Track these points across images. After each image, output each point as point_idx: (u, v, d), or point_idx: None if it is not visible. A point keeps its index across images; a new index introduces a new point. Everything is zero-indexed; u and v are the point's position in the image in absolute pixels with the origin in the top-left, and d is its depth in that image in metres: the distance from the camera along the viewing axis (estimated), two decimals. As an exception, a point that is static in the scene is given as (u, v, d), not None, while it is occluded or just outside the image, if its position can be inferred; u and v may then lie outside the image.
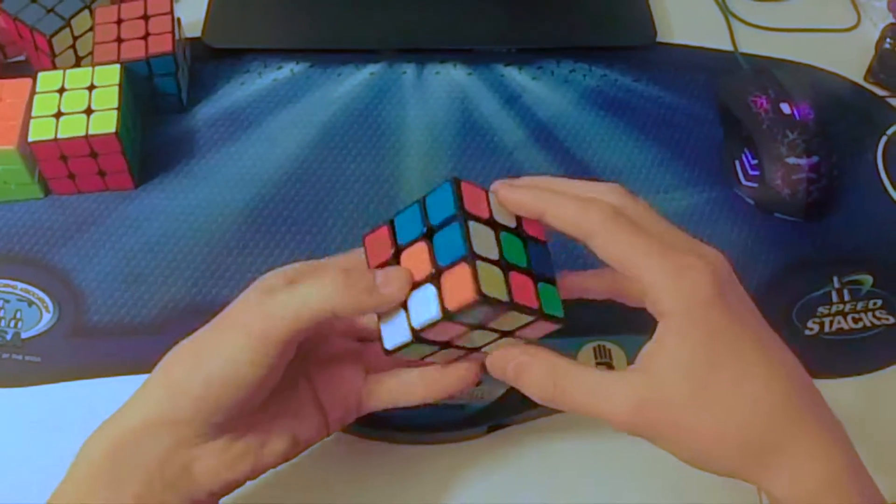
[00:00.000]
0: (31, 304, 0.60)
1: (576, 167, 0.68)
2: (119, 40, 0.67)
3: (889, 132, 0.72)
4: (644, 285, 0.41)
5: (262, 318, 0.42)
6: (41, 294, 0.61)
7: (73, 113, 0.62)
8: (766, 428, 0.40)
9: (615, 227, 0.41)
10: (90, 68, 0.65)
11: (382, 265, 0.42)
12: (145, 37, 0.67)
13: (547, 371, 0.43)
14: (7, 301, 0.61)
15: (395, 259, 0.42)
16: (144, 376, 0.56)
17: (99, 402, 0.56)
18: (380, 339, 0.43)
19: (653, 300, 0.41)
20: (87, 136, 0.62)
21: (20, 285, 0.61)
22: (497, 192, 0.43)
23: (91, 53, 0.68)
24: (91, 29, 0.69)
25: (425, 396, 0.47)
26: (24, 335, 0.59)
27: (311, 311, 0.42)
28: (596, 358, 0.57)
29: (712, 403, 0.40)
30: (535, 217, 0.43)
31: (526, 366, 0.43)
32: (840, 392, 0.58)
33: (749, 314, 0.42)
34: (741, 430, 0.40)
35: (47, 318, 0.60)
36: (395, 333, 0.42)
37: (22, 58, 0.73)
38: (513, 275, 0.41)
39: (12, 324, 0.60)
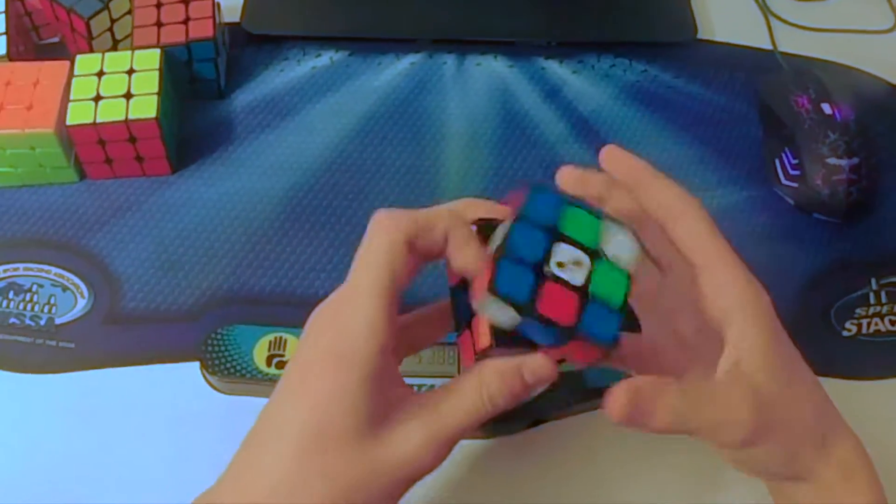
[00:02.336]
0: (65, 289, 0.60)
1: (616, 163, 0.68)
2: (159, 24, 0.67)
3: (927, 135, 0.72)
4: (718, 279, 0.42)
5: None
6: (76, 279, 0.60)
7: (112, 97, 0.62)
8: (825, 415, 0.43)
9: (705, 219, 0.44)
10: (129, 52, 0.64)
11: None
12: (185, 21, 0.67)
13: (676, 394, 0.41)
14: (41, 286, 0.60)
15: None
16: (180, 365, 0.57)
17: (133, 390, 0.56)
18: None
19: (725, 296, 0.42)
20: (126, 121, 0.61)
21: (54, 270, 0.61)
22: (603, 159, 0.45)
23: (129, 36, 0.67)
24: (129, 12, 0.68)
25: None
26: (58, 321, 0.58)
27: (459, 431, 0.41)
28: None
29: (794, 396, 0.42)
30: (629, 188, 0.45)
31: (654, 397, 0.41)
32: (877, 394, 0.58)
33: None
34: (814, 418, 0.42)
35: (82, 304, 0.59)
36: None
37: (56, 39, 0.72)
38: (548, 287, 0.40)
39: (46, 309, 0.59)
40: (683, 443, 0.54)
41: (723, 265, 0.43)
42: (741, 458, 0.43)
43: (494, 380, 0.41)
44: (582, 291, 0.40)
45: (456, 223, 0.42)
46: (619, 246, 0.42)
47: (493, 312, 0.40)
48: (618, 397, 0.40)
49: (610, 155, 0.47)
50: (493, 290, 0.39)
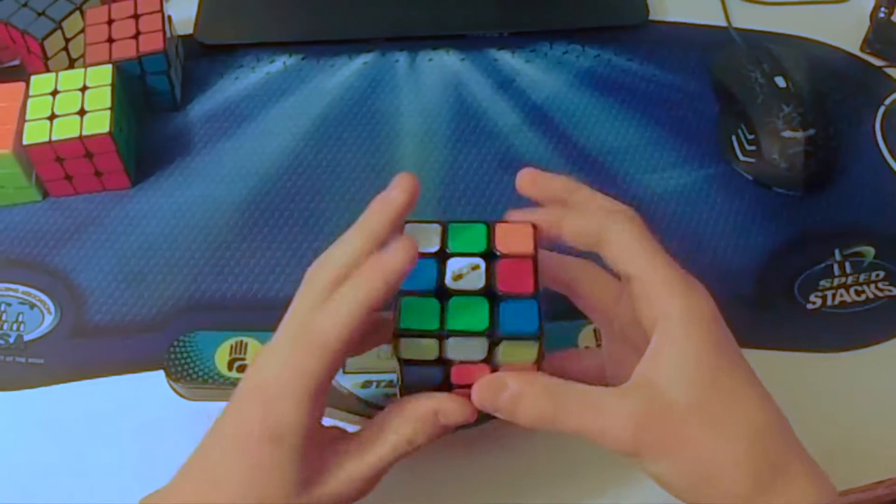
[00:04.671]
0: (32, 306, 0.61)
1: (571, 149, 0.68)
2: (110, 40, 0.67)
3: (887, 102, 0.71)
4: (646, 286, 0.42)
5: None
6: (42, 296, 0.61)
7: (66, 115, 0.63)
8: (771, 444, 0.40)
9: (633, 227, 0.43)
10: (82, 70, 0.65)
11: None
12: (136, 36, 0.67)
13: (544, 394, 0.41)
14: (9, 304, 0.61)
15: None
16: (147, 374, 0.57)
17: (103, 401, 0.57)
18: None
19: (654, 302, 0.41)
20: (81, 137, 0.62)
21: (21, 288, 0.61)
22: (525, 178, 0.45)
23: (83, 55, 0.68)
24: (83, 30, 0.69)
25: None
26: (26, 338, 0.59)
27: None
28: (597, 340, 0.57)
29: (716, 414, 0.40)
30: (554, 226, 0.44)
31: (520, 395, 0.41)
32: (843, 365, 0.58)
33: (736, 346, 0.43)
34: (747, 442, 0.39)
35: (49, 320, 0.60)
36: None
37: (16, 62, 0.73)
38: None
39: (14, 327, 0.60)
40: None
41: (652, 274, 0.42)
42: (648, 472, 0.41)
43: (411, 425, 0.43)
44: (489, 294, 0.41)
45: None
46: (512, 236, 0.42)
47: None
48: (483, 389, 0.42)
49: (528, 179, 0.45)
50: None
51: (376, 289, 0.41)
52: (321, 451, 0.43)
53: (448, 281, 0.42)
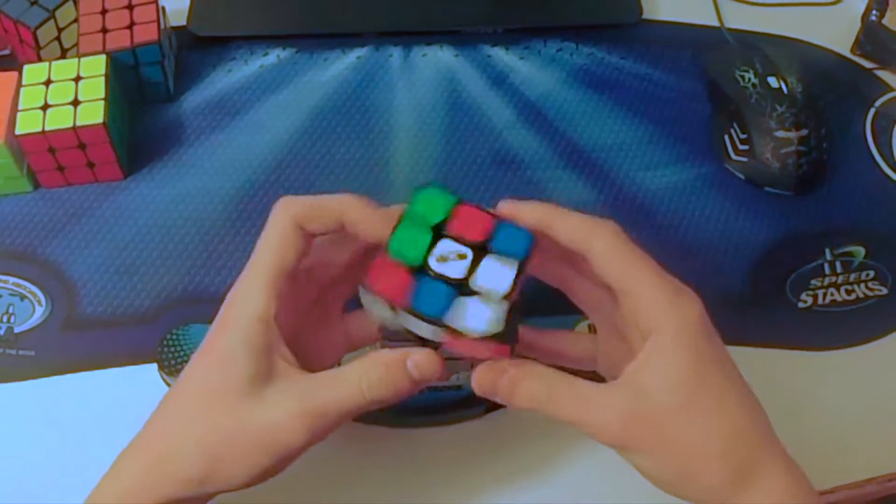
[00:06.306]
0: (23, 298, 0.60)
1: (564, 146, 0.68)
2: (104, 30, 0.67)
3: (877, 104, 0.72)
4: (637, 301, 0.43)
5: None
6: (33, 288, 0.61)
7: (59, 105, 0.62)
8: (744, 443, 0.42)
9: (618, 241, 0.44)
10: (76, 59, 0.65)
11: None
12: (130, 26, 0.67)
13: (541, 381, 0.43)
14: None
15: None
16: (139, 367, 0.57)
17: (94, 394, 0.57)
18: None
19: (645, 317, 0.43)
20: (74, 128, 0.61)
21: (12, 279, 0.61)
22: (504, 208, 0.45)
23: (76, 45, 0.67)
24: (76, 20, 0.68)
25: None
26: (17, 329, 0.59)
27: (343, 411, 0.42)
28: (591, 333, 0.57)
29: (698, 417, 0.42)
30: (542, 229, 0.44)
31: (519, 379, 0.43)
32: (834, 363, 0.58)
33: (723, 347, 0.44)
34: (725, 442, 0.42)
35: (40, 312, 0.60)
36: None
37: (7, 52, 0.73)
38: None
39: (5, 318, 0.59)
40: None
41: (640, 290, 0.43)
42: (633, 464, 0.43)
43: (377, 370, 0.42)
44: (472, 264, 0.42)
45: (352, 204, 0.45)
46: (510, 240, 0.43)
47: (374, 311, 0.42)
48: (483, 373, 0.43)
49: (508, 209, 0.45)
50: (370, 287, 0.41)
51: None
52: (273, 368, 0.43)
53: (432, 260, 0.42)
